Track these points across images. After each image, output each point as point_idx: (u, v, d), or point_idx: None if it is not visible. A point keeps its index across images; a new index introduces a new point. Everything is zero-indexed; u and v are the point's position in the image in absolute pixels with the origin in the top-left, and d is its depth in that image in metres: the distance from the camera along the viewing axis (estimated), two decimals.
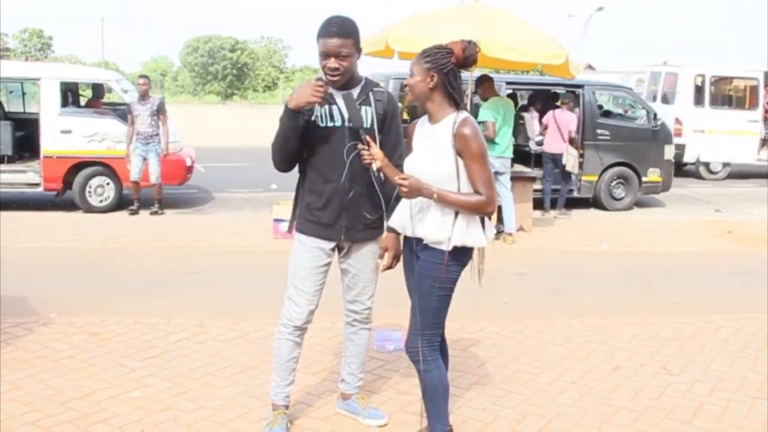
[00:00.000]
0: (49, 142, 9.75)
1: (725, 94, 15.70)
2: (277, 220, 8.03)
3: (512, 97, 11.40)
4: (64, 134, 9.74)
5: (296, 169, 3.45)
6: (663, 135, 11.48)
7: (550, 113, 10.33)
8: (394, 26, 8.38)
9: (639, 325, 5.35)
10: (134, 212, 9.59)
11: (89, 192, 9.85)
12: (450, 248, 3.03)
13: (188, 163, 10.44)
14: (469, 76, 7.89)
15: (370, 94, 3.36)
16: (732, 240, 9.04)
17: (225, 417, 3.70)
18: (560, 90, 11.67)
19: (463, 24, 7.57)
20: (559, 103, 11.04)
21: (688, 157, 15.26)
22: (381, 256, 3.46)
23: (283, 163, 3.36)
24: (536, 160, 11.12)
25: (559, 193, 10.42)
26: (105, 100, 12.24)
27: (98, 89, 11.79)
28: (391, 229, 3.39)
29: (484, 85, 8.46)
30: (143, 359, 4.43)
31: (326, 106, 3.29)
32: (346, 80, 3.28)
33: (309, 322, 3.46)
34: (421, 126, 3.23)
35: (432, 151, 3.09)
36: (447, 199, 3.01)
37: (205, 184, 12.15)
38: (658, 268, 7.60)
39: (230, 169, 14.66)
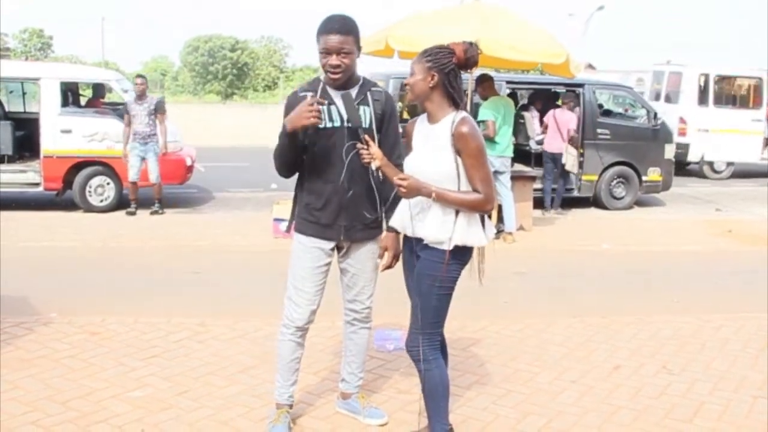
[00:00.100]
0: (50, 141, 9.75)
1: (729, 94, 15.69)
2: (277, 220, 8.03)
3: (513, 96, 11.41)
4: (65, 134, 9.74)
5: None
6: (663, 134, 11.47)
7: (551, 112, 10.34)
8: (395, 26, 8.38)
9: (639, 325, 5.35)
10: (132, 213, 9.58)
11: (89, 192, 9.85)
12: (451, 248, 3.03)
13: (188, 162, 10.44)
14: (469, 75, 7.89)
15: (368, 93, 3.36)
16: (732, 239, 9.04)
17: (226, 416, 3.70)
18: (560, 89, 11.67)
19: (463, 23, 7.58)
20: (559, 103, 11.05)
21: (692, 157, 15.27)
22: (381, 256, 3.46)
23: (285, 171, 3.40)
24: (536, 159, 11.12)
25: (555, 193, 10.44)
26: (105, 99, 12.24)
27: (99, 89, 11.79)
28: (391, 229, 3.39)
29: (484, 84, 8.46)
30: (144, 358, 4.43)
31: (325, 107, 3.29)
32: (347, 78, 3.28)
33: (311, 322, 3.46)
34: (420, 125, 3.23)
35: (431, 151, 3.09)
36: (445, 198, 3.02)
37: (206, 184, 12.15)
38: (659, 268, 7.60)
39: (230, 169, 14.65)
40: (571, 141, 10.10)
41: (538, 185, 10.07)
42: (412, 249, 3.21)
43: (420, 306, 3.14)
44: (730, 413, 3.91)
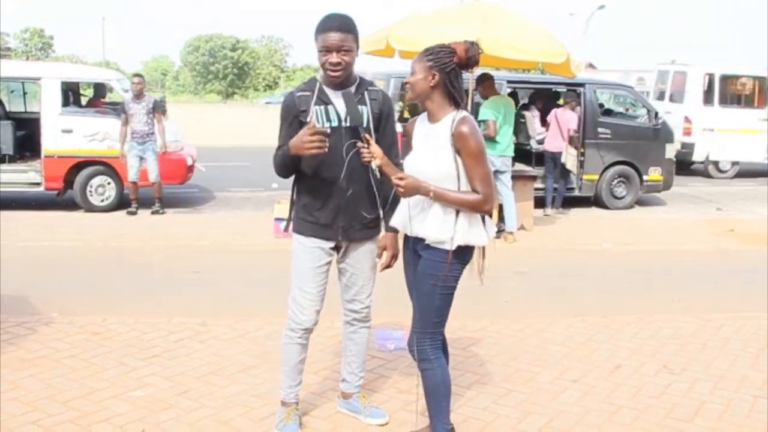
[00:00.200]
0: (50, 141, 9.75)
1: (734, 93, 15.69)
2: (278, 219, 8.03)
3: (513, 95, 11.40)
4: (65, 134, 9.75)
5: None
6: (664, 134, 11.47)
7: (553, 112, 10.34)
8: (395, 25, 8.38)
9: (640, 324, 5.34)
10: (133, 213, 9.58)
11: (90, 191, 9.86)
12: (454, 248, 3.03)
13: (189, 162, 10.44)
14: (469, 74, 7.89)
15: (366, 93, 3.36)
16: (733, 238, 9.03)
17: (226, 416, 3.70)
18: (561, 89, 11.66)
19: (463, 23, 7.58)
20: (561, 102, 11.04)
21: (698, 156, 15.27)
22: (379, 255, 3.46)
23: (284, 174, 3.41)
24: (537, 158, 11.12)
25: (557, 192, 10.44)
26: (106, 99, 12.24)
27: (100, 89, 11.79)
28: (390, 228, 3.39)
29: (485, 83, 8.46)
30: (145, 358, 4.43)
31: (322, 106, 3.28)
32: (345, 77, 3.28)
33: (316, 322, 3.46)
34: (420, 124, 3.22)
35: (431, 150, 3.09)
36: (444, 197, 3.02)
37: (206, 184, 12.15)
38: (659, 267, 7.60)
39: (231, 168, 14.66)
40: (571, 141, 10.09)
41: (539, 185, 10.08)
42: (414, 249, 3.21)
43: (422, 306, 3.14)
44: (731, 412, 3.91)
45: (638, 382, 4.28)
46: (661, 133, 11.40)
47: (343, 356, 3.75)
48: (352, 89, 3.32)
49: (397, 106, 10.26)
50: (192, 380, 4.13)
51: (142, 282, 6.44)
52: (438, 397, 3.21)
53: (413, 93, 3.13)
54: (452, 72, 3.06)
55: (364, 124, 3.29)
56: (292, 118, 3.32)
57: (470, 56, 3.06)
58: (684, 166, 15.39)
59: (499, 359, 4.58)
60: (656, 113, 11.54)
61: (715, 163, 15.49)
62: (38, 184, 9.97)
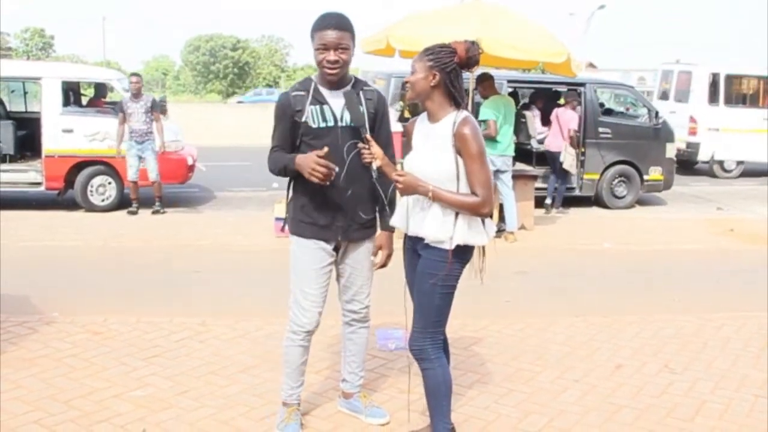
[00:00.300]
0: (51, 141, 9.75)
1: (739, 93, 15.69)
2: (278, 219, 8.01)
3: (514, 95, 11.40)
4: (66, 133, 9.75)
5: None
6: (664, 133, 11.46)
7: (555, 111, 10.34)
8: (396, 25, 8.38)
9: (641, 324, 5.34)
10: (133, 213, 9.58)
11: (91, 191, 9.86)
12: (453, 247, 3.03)
13: (190, 162, 10.44)
14: (470, 74, 7.89)
15: (361, 93, 3.35)
16: (734, 238, 9.03)
17: (227, 415, 3.70)
18: (562, 88, 11.65)
19: (464, 23, 7.57)
20: (562, 102, 11.03)
21: (703, 156, 15.27)
22: (375, 254, 3.46)
23: (280, 176, 3.43)
24: (538, 158, 11.11)
25: (557, 192, 10.44)
26: (107, 99, 12.24)
27: (100, 88, 11.79)
28: (386, 227, 3.39)
29: (485, 83, 8.45)
30: (145, 358, 4.43)
31: (317, 106, 3.28)
32: (342, 76, 3.28)
33: (318, 324, 3.45)
34: (421, 124, 3.22)
35: (432, 150, 3.09)
36: (442, 198, 3.02)
37: (207, 183, 12.15)
38: (660, 267, 7.60)
39: (232, 168, 14.66)
40: (571, 141, 10.09)
41: (539, 184, 10.07)
42: (413, 248, 3.21)
43: (422, 305, 3.14)
44: (732, 412, 3.91)
45: (639, 382, 4.28)
46: (661, 133, 11.40)
47: (342, 356, 3.75)
48: (347, 89, 3.32)
49: (398, 106, 10.26)
50: (193, 380, 4.13)
51: (142, 282, 6.45)
52: (439, 396, 3.21)
53: (413, 92, 3.13)
54: (453, 72, 3.05)
55: (366, 125, 3.29)
56: (288, 118, 3.31)
57: (471, 56, 3.05)
58: (687, 165, 15.39)
59: (500, 359, 4.58)
60: (657, 113, 11.54)
61: (720, 163, 15.48)
62: (39, 183, 9.97)
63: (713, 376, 4.41)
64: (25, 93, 12.66)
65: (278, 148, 3.36)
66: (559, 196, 10.47)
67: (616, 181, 11.19)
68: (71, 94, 10.98)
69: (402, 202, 3.19)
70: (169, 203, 10.24)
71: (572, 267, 7.50)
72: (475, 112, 8.05)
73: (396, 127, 8.38)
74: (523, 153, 10.55)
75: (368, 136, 3.19)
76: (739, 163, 15.57)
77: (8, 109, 11.85)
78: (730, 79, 15.40)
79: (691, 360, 4.67)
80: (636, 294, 6.49)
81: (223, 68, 63.57)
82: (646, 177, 11.24)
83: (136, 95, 9.56)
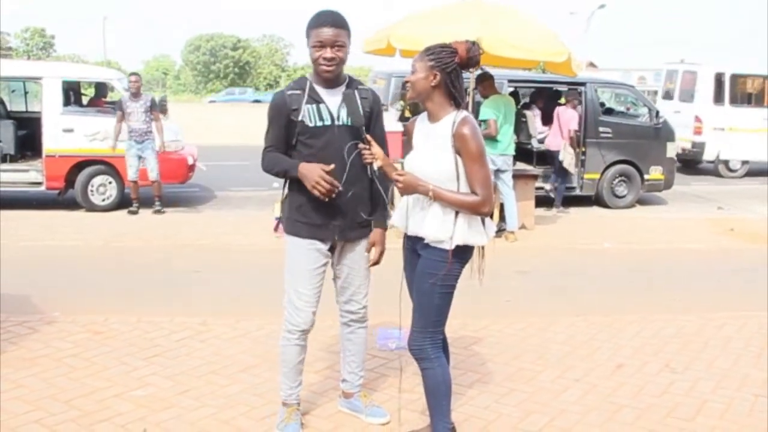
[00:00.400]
0: (52, 141, 9.76)
1: (744, 92, 15.68)
2: (278, 218, 8.03)
3: (514, 94, 11.40)
4: (66, 133, 9.75)
5: None
6: (665, 132, 11.46)
7: (556, 110, 10.34)
8: (396, 24, 8.38)
9: (642, 323, 5.34)
10: (134, 212, 9.59)
11: (91, 191, 9.86)
12: (452, 247, 3.03)
13: (190, 161, 10.45)
14: (470, 73, 7.89)
15: (356, 92, 3.35)
16: (734, 237, 9.03)
17: (228, 415, 3.70)
18: (562, 88, 11.65)
19: (464, 22, 7.56)
20: (562, 101, 11.03)
21: (708, 155, 15.27)
22: (368, 251, 3.46)
23: (275, 176, 3.43)
24: (538, 157, 11.11)
25: (556, 191, 10.44)
26: (107, 99, 12.24)
27: (101, 88, 11.80)
28: (379, 225, 3.39)
29: (485, 83, 8.45)
30: (146, 357, 4.43)
31: (313, 105, 3.28)
32: (337, 74, 3.27)
33: (313, 323, 3.45)
34: (421, 124, 3.22)
35: (432, 150, 3.09)
36: (442, 197, 3.02)
37: (207, 183, 12.16)
38: (661, 266, 7.59)
39: (232, 168, 14.66)
40: (571, 140, 10.09)
41: (540, 184, 10.07)
42: (413, 248, 3.21)
43: (422, 305, 3.14)
44: (733, 411, 3.91)
45: (640, 381, 4.27)
46: (662, 132, 11.39)
47: (341, 357, 3.75)
48: (342, 88, 3.32)
49: (398, 106, 10.26)
50: (193, 379, 4.13)
51: (143, 281, 6.45)
52: (438, 396, 3.21)
53: (414, 92, 3.13)
54: (453, 72, 3.05)
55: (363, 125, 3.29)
56: (284, 117, 3.30)
57: (471, 56, 3.05)
58: (691, 165, 15.37)
59: (500, 358, 4.58)
60: (657, 112, 11.53)
61: (726, 163, 15.48)
62: (39, 183, 9.98)
63: (714, 375, 4.40)
64: (26, 93, 12.66)
65: (273, 147, 3.35)
66: (560, 195, 10.47)
67: (617, 180, 11.19)
68: (72, 93, 10.99)
69: (402, 201, 3.18)
70: (169, 203, 10.24)
71: (573, 266, 7.50)
72: (476, 112, 8.05)
73: (396, 126, 8.41)
74: (523, 152, 10.54)
75: (368, 136, 3.19)
76: (745, 162, 15.57)
77: (9, 108, 11.85)
78: (735, 78, 15.40)
79: (692, 359, 4.66)
80: (637, 293, 6.49)
81: (224, 68, 63.61)
82: (646, 176, 11.24)
83: (136, 94, 9.56)
